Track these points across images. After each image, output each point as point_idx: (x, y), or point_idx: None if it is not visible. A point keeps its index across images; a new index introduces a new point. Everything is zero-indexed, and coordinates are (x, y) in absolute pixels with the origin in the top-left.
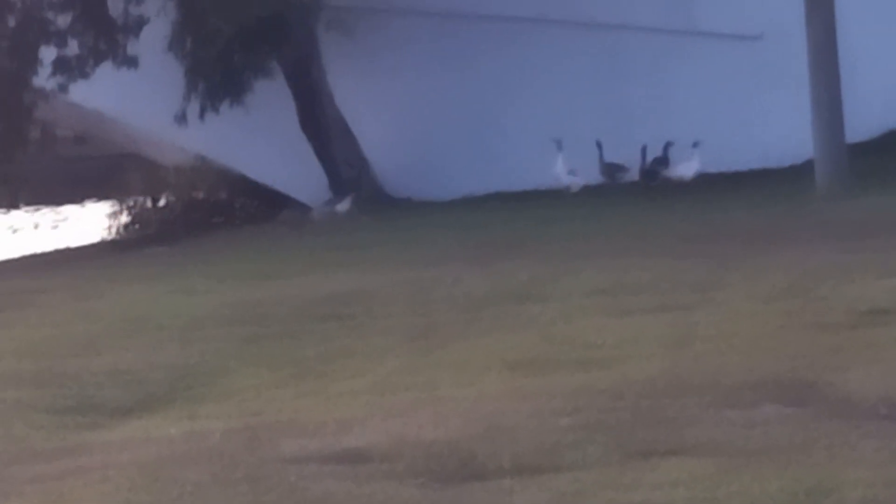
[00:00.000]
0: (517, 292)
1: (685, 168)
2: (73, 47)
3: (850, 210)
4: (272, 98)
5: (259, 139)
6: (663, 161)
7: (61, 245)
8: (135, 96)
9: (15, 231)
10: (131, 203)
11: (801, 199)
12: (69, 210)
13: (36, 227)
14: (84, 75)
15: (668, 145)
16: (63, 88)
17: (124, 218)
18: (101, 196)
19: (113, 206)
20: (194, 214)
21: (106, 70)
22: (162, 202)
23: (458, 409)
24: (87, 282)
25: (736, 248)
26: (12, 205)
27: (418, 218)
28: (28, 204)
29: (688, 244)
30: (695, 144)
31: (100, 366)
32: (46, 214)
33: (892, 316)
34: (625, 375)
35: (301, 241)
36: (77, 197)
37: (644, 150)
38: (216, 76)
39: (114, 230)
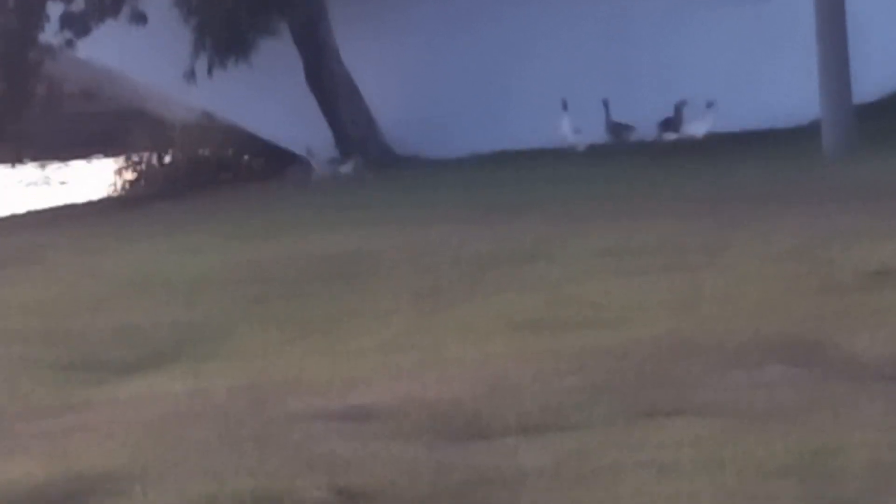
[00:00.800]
0: (523, 253)
1: (696, 127)
2: (79, 3)
3: (856, 172)
4: (280, 56)
5: (266, 97)
6: (675, 121)
7: (68, 201)
8: (142, 53)
9: (28, 185)
10: (137, 159)
11: (808, 160)
12: (77, 166)
13: (46, 181)
14: (88, 31)
15: (681, 104)
16: (70, 44)
17: (130, 174)
18: (108, 152)
19: (119, 162)
20: (200, 171)
21: (114, 26)
22: (168, 159)
23: (463, 370)
24: (93, 238)
25: (742, 210)
26: (18, 160)
27: (424, 177)
28: (35, 159)
29: (694, 205)
30: (708, 105)
31: (106, 323)
32: (55, 170)
33: None
34: (631, 336)
35: (305, 199)
36: (85, 153)
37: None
38: (224, 33)
39: (119, 186)
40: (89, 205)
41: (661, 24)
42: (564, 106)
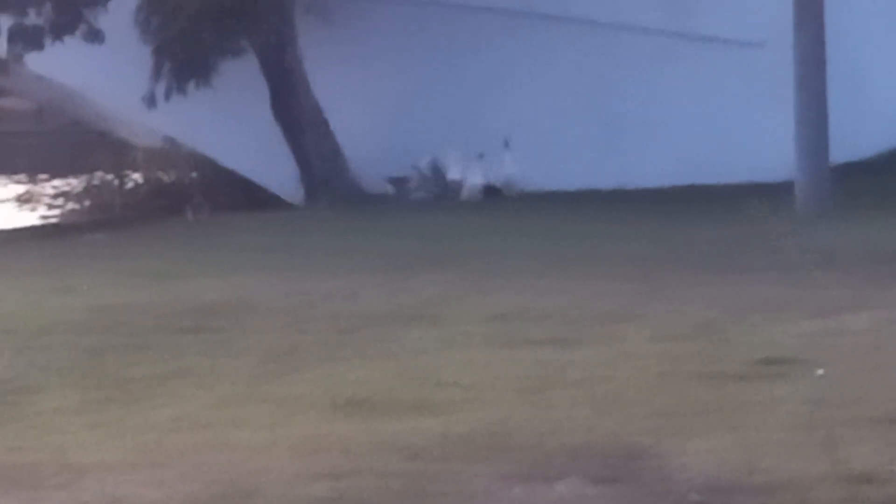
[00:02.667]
0: (411, 312)
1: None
2: (33, 17)
3: (822, 236)
4: (246, 82)
5: (231, 124)
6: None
7: (4, 224)
8: (104, 73)
9: None
10: (96, 183)
11: (776, 220)
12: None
13: None
14: (39, 47)
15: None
16: (17, 59)
17: (84, 198)
18: (67, 174)
19: (72, 185)
20: (161, 198)
21: (75, 44)
22: (130, 184)
23: (223, 461)
24: None
25: (677, 273)
26: None
27: (374, 219)
28: None
29: (630, 266)
30: (506, 144)
31: None
32: (3, 189)
33: (790, 367)
34: (447, 428)
35: (241, 236)
36: (41, 173)
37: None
38: (183, 55)
39: (67, 211)
40: (20, 231)
41: (647, 66)
42: (506, 145)
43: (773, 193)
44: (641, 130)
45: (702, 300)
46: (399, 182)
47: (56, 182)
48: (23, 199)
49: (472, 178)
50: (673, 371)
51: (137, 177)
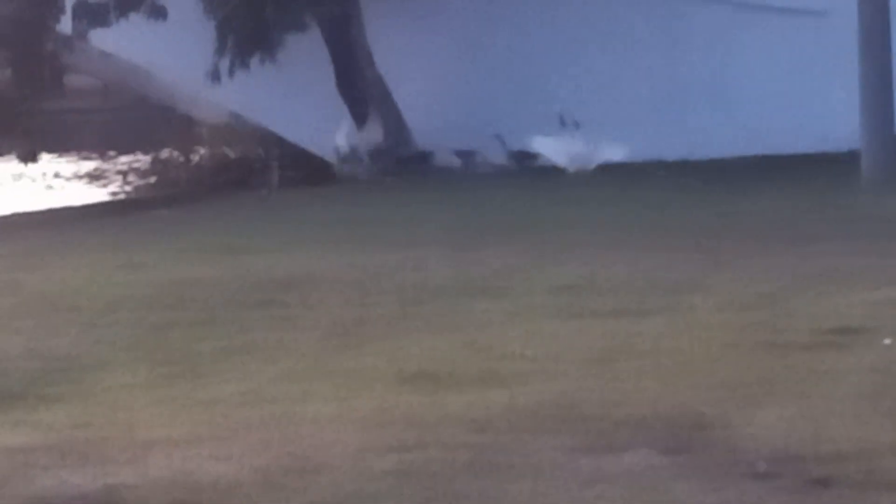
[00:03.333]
0: (477, 284)
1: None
2: None
3: (888, 204)
4: (310, 55)
5: (295, 98)
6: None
7: (75, 201)
8: (168, 49)
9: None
10: (162, 159)
11: (841, 189)
12: (96, 163)
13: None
14: (104, 23)
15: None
16: (82, 36)
17: (150, 175)
18: (132, 150)
19: (138, 161)
20: (226, 173)
21: (141, 21)
22: (194, 160)
23: (290, 434)
24: (41, 249)
25: (741, 245)
26: (31, 157)
27: (440, 192)
28: (55, 154)
29: (692, 237)
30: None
31: None
32: (71, 167)
33: (856, 336)
34: (515, 399)
35: (305, 210)
36: (107, 150)
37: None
38: (247, 31)
39: (133, 187)
40: (87, 207)
41: (714, 36)
42: (562, 121)
43: (838, 163)
44: (707, 101)
45: (768, 270)
46: (465, 155)
47: (122, 159)
48: (89, 176)
49: (548, 151)
50: (739, 341)
51: (203, 152)
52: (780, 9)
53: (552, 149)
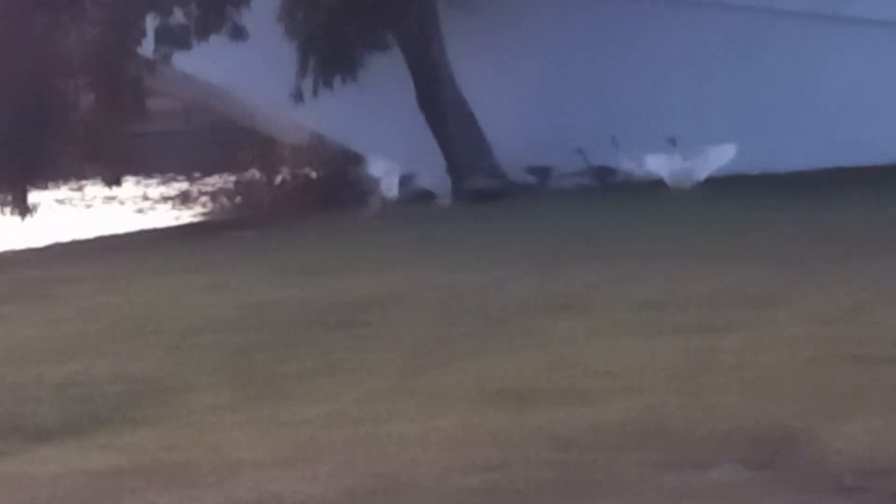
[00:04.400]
0: (559, 302)
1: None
2: (178, 17)
3: None
4: (391, 76)
5: (377, 118)
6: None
7: (155, 224)
8: (249, 70)
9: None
10: (244, 180)
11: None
12: (178, 186)
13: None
14: (186, 46)
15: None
16: (166, 59)
17: (234, 196)
18: (215, 172)
19: (221, 183)
20: (308, 194)
21: (220, 42)
22: (276, 181)
23: (379, 454)
24: (124, 272)
25: (827, 257)
26: (115, 181)
27: (520, 210)
28: (138, 177)
29: (778, 250)
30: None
31: (59, 375)
32: (155, 190)
33: None
34: (599, 417)
35: (386, 231)
36: (189, 172)
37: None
38: (328, 51)
39: (217, 209)
40: (171, 230)
41: (795, 50)
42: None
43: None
44: (789, 114)
45: (851, 283)
46: (541, 172)
47: (205, 180)
48: (173, 199)
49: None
50: (823, 355)
51: (285, 173)
52: (861, 21)
53: (659, 166)
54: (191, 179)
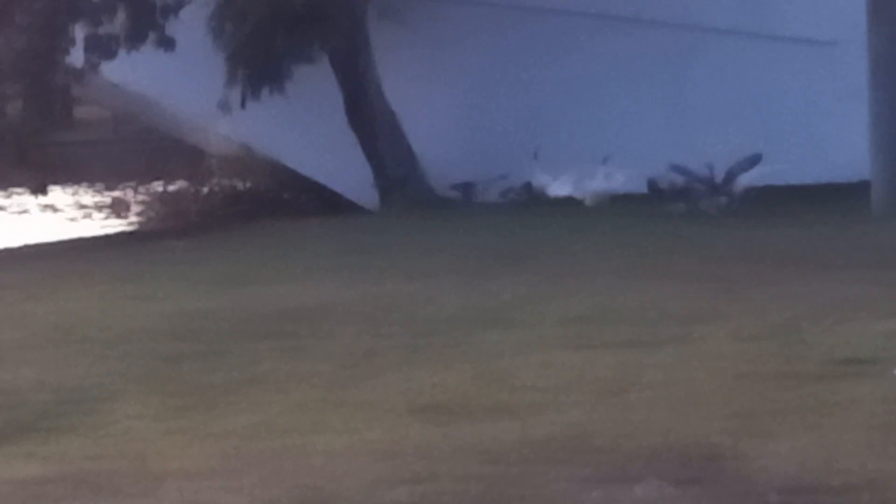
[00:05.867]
0: (488, 315)
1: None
2: (107, 26)
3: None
4: (319, 87)
5: (305, 130)
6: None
7: (85, 232)
8: (178, 80)
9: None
10: (172, 190)
11: (853, 219)
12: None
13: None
14: (113, 55)
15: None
16: (93, 67)
17: (162, 206)
18: (142, 181)
19: (148, 192)
20: (237, 206)
21: (150, 52)
22: (204, 191)
23: (305, 466)
24: (52, 280)
25: (754, 274)
26: (41, 189)
27: (448, 223)
28: (64, 184)
29: (704, 267)
30: (604, 160)
31: None
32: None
33: (868, 367)
34: (527, 431)
35: (317, 241)
36: (116, 180)
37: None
38: (257, 62)
39: (144, 218)
40: (99, 239)
41: (723, 67)
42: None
43: (848, 193)
44: (716, 131)
45: (779, 300)
46: (465, 187)
47: (133, 190)
48: (100, 208)
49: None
50: (751, 371)
51: (214, 184)
52: (788, 39)
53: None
54: (119, 189)
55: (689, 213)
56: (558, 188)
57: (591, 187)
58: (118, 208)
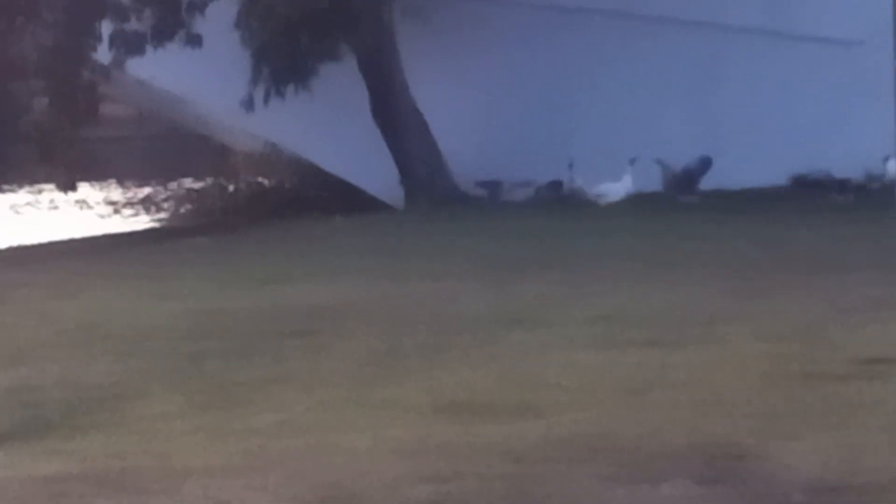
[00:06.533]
0: (513, 315)
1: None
2: (133, 23)
3: None
4: (345, 85)
5: (330, 127)
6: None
7: (109, 230)
8: (204, 78)
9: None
10: (197, 187)
11: (877, 218)
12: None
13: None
14: (140, 52)
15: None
16: (120, 65)
17: (185, 203)
18: (168, 178)
19: (173, 190)
20: (262, 203)
21: (175, 49)
22: (230, 188)
23: (325, 464)
24: (77, 277)
25: (779, 274)
26: (70, 186)
27: (474, 221)
28: (92, 182)
29: (731, 267)
30: (631, 161)
31: (9, 380)
32: (111, 194)
33: (892, 367)
34: (549, 430)
35: (340, 240)
36: (144, 177)
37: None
38: (280, 59)
39: (169, 215)
40: (124, 236)
41: (748, 66)
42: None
43: (873, 192)
44: (741, 131)
45: (803, 300)
46: (491, 185)
47: (158, 187)
48: (126, 205)
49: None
50: (775, 372)
51: (239, 181)
52: (813, 38)
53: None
54: (145, 186)
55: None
56: (595, 191)
57: (617, 189)
58: (147, 205)
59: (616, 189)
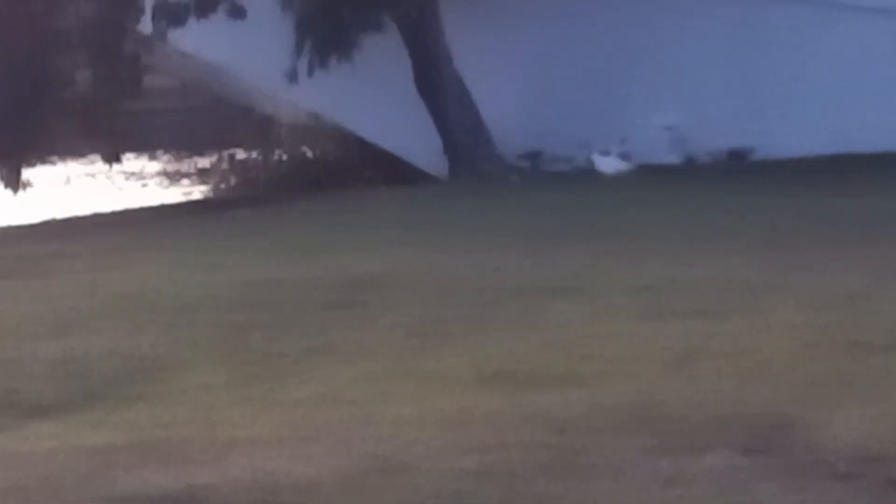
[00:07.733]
0: (556, 285)
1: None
2: None
3: None
4: (388, 56)
5: (374, 98)
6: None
7: (157, 201)
8: (247, 49)
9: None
10: (240, 159)
11: None
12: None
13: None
14: (182, 24)
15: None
16: (162, 36)
17: (229, 174)
18: (211, 150)
19: (217, 161)
20: (306, 175)
21: (218, 21)
22: (273, 160)
23: (370, 435)
24: (119, 248)
25: (824, 244)
26: (115, 158)
27: (517, 192)
28: (136, 154)
29: (775, 237)
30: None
31: (54, 351)
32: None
33: None
34: (593, 400)
35: (384, 211)
36: (187, 149)
37: None
38: (325, 31)
39: (212, 187)
40: (166, 207)
41: (792, 36)
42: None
43: None
44: (787, 100)
45: (848, 270)
46: (532, 156)
47: (201, 159)
48: (169, 176)
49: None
50: (820, 341)
51: (282, 152)
52: (860, 8)
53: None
54: (188, 158)
55: None
56: (605, 164)
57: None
58: (192, 176)
59: (608, 162)
